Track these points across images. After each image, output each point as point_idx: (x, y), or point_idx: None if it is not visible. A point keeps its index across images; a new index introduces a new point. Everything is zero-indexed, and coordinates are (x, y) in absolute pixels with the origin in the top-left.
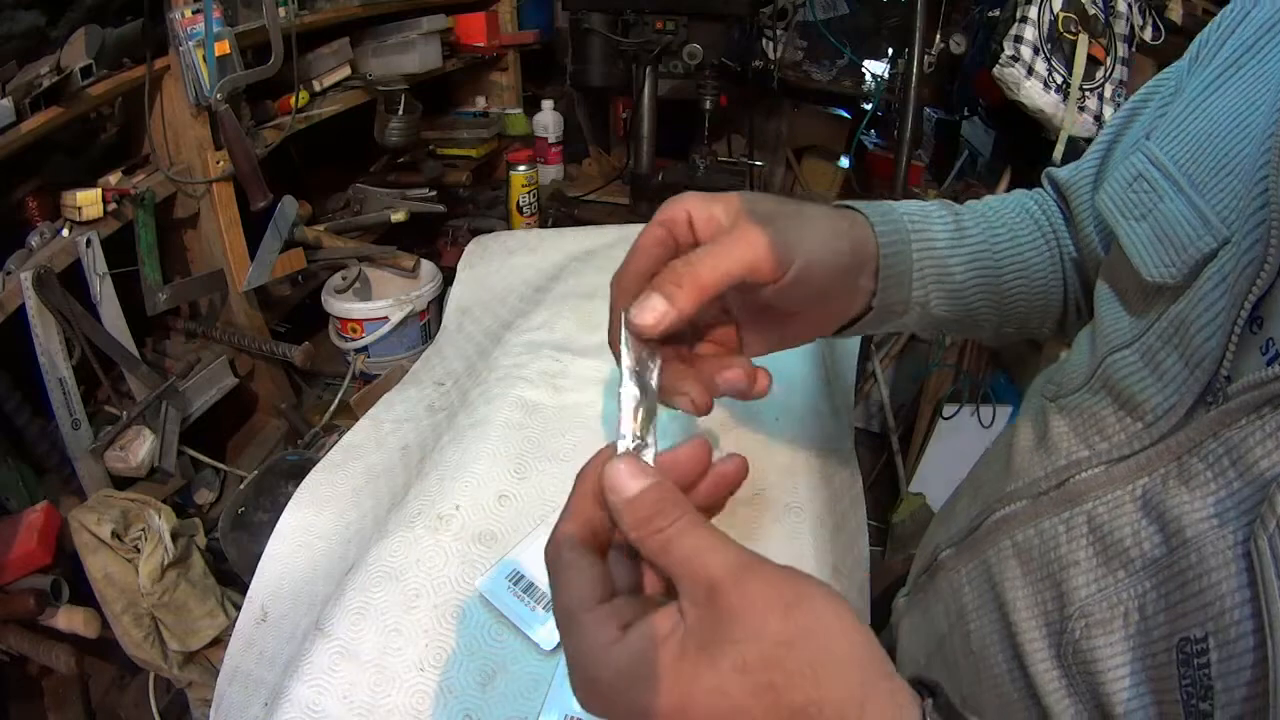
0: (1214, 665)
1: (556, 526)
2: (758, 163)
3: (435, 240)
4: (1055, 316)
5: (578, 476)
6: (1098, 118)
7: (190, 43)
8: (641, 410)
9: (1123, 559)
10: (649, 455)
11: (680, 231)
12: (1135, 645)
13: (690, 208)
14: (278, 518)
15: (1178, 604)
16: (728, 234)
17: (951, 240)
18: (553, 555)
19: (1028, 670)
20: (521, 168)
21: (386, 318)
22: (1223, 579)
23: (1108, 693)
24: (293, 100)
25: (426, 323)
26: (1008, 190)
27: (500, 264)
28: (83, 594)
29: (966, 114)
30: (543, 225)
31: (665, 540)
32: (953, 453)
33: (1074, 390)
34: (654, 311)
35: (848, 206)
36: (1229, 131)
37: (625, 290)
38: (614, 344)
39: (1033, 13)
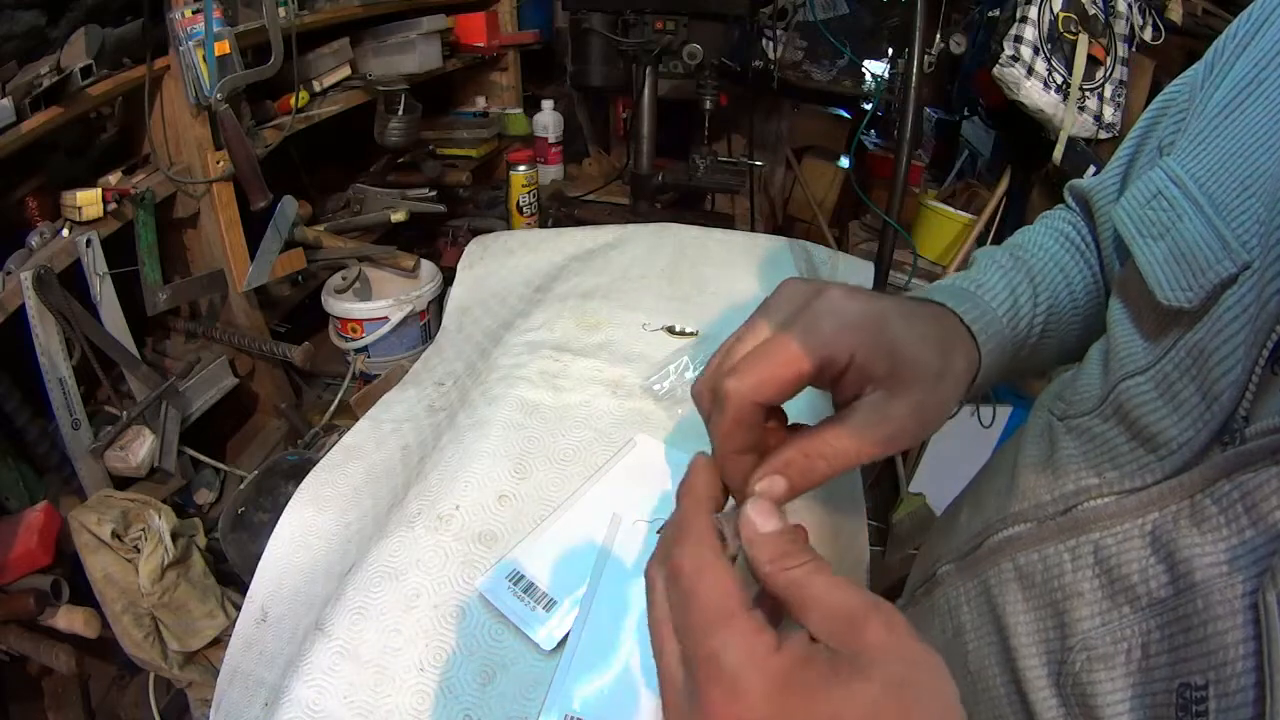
0: (1212, 714)
1: (672, 543)
2: (758, 163)
3: (435, 240)
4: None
5: (679, 493)
6: (1097, 118)
7: (190, 43)
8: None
9: (1128, 595)
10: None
11: (832, 372)
12: (1136, 684)
13: (857, 354)
14: (278, 518)
15: (1181, 648)
16: (884, 418)
17: (1029, 332)
18: (684, 565)
19: (1026, 696)
20: (521, 168)
21: (386, 318)
22: (1228, 629)
23: None
24: (293, 100)
25: (426, 323)
26: (1007, 191)
27: (500, 264)
28: (83, 594)
29: (966, 114)
30: (543, 225)
31: (798, 577)
32: (953, 453)
33: (1085, 413)
34: (779, 490)
35: (960, 319)
36: (1252, 150)
37: (740, 421)
38: (725, 479)
39: (1033, 13)
